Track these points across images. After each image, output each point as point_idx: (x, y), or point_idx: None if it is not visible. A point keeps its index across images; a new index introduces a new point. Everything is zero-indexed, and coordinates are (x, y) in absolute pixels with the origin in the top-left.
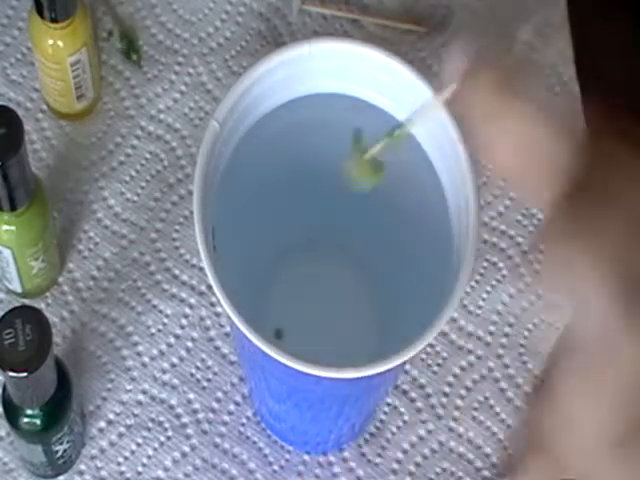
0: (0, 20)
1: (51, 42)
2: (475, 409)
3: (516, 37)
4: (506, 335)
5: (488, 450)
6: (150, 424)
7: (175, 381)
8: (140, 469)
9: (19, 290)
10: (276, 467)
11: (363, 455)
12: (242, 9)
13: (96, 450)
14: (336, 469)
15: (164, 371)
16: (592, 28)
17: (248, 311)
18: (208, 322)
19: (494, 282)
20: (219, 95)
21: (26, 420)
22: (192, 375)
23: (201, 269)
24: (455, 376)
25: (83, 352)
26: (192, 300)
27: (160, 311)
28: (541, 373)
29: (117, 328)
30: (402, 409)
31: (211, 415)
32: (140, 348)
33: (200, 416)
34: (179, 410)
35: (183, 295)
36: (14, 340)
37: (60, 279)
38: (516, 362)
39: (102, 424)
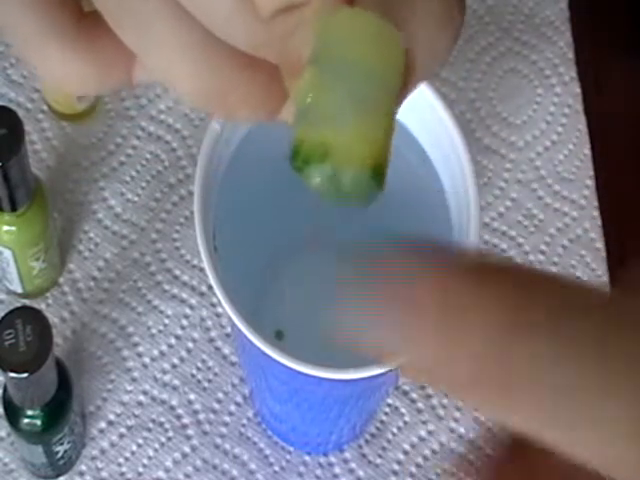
0: None
1: None
2: (476, 410)
3: (516, 37)
4: None
5: (489, 451)
6: (151, 425)
7: (176, 382)
8: (141, 470)
9: (19, 291)
10: (277, 468)
11: (364, 456)
12: None
13: (97, 451)
14: (337, 470)
15: (165, 372)
16: (592, 28)
17: (249, 312)
18: (209, 323)
19: None
20: None
21: (26, 421)
22: (193, 376)
23: (202, 270)
24: None
25: (84, 353)
26: (193, 301)
27: (161, 312)
28: None
29: (118, 329)
30: (403, 410)
31: (212, 416)
32: (141, 349)
33: (201, 417)
34: (180, 411)
35: (184, 296)
36: (15, 341)
37: (60, 280)
38: None
39: (103, 425)
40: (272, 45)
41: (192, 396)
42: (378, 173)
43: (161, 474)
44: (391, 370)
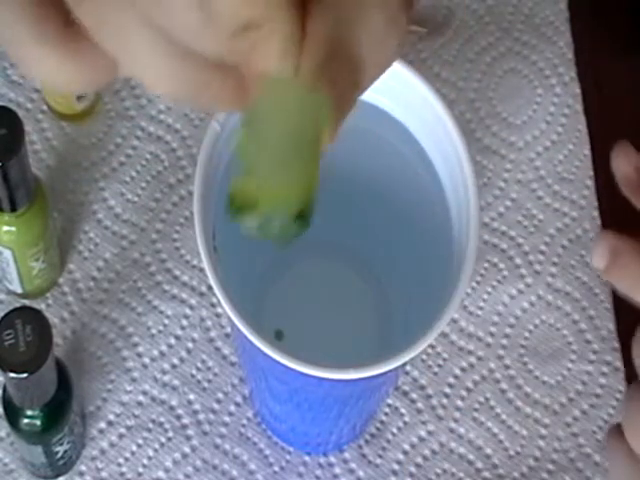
0: None
1: None
2: (476, 410)
3: (516, 37)
4: (507, 336)
5: (489, 451)
6: (150, 425)
7: (176, 382)
8: (141, 470)
9: (19, 291)
10: (277, 468)
11: (364, 456)
12: None
13: (96, 451)
14: (337, 470)
15: (164, 372)
16: (592, 28)
17: (249, 312)
18: (209, 323)
19: (495, 283)
20: None
21: (26, 421)
22: (193, 376)
23: (202, 270)
24: (456, 377)
25: (83, 353)
26: (193, 301)
27: (161, 312)
28: None
29: (117, 329)
30: (403, 410)
31: (212, 416)
32: (140, 349)
33: (201, 417)
34: (180, 411)
35: (184, 296)
36: (14, 341)
37: (60, 280)
38: (517, 363)
39: (102, 425)
40: (237, 57)
41: (192, 396)
42: (302, 217)
43: (161, 474)
44: (390, 370)
